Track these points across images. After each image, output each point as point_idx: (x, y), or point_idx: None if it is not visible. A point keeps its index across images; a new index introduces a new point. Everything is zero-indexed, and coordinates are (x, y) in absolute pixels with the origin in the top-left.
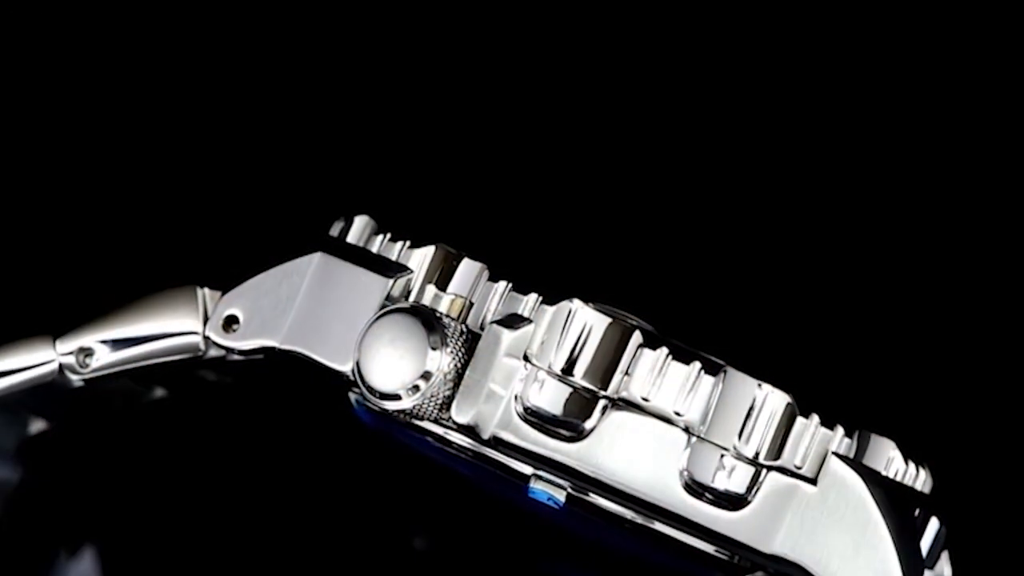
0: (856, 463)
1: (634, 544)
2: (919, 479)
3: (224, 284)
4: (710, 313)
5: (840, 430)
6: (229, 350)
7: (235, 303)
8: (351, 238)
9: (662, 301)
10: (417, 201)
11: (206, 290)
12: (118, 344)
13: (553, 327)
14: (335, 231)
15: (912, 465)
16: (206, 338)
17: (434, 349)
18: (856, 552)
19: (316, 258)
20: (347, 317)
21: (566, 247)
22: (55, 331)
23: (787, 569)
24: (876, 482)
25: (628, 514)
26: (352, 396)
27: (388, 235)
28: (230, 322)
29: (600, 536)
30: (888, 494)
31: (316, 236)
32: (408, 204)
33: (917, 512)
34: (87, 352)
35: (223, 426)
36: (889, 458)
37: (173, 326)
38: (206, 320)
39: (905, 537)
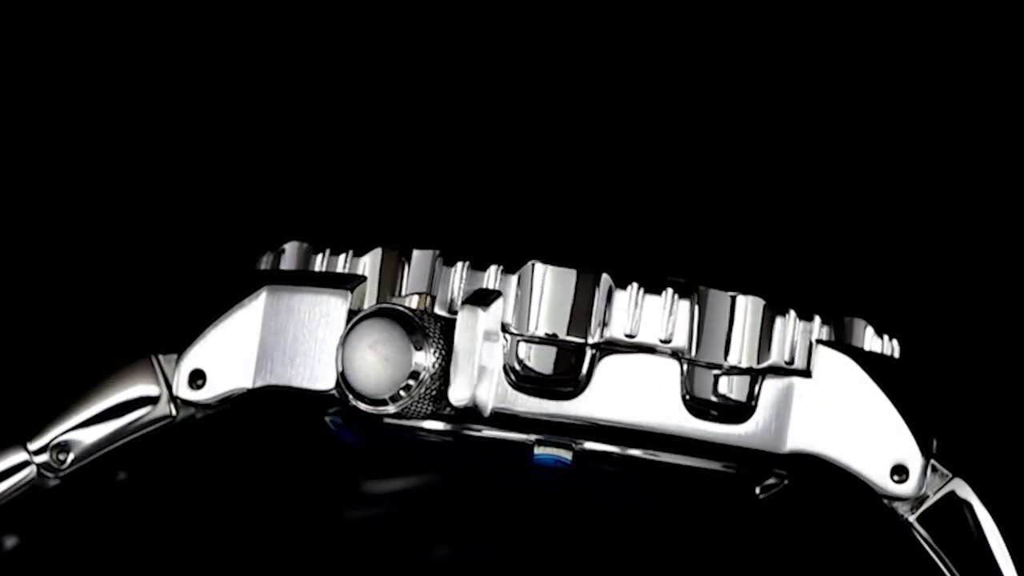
0: (842, 345)
1: (643, 486)
2: (895, 351)
3: (172, 346)
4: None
5: (818, 319)
6: (202, 405)
7: (196, 359)
8: (287, 265)
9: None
10: (325, 208)
11: (159, 356)
12: (89, 431)
13: (522, 292)
14: (265, 264)
15: (886, 338)
16: (175, 401)
17: (418, 349)
18: (867, 430)
19: (264, 294)
20: (314, 340)
21: (480, 219)
22: (18, 436)
23: (806, 464)
24: (866, 359)
25: (637, 453)
26: (329, 419)
27: (328, 250)
28: (195, 378)
29: (607, 490)
30: (881, 368)
31: (252, 274)
32: (319, 214)
33: (908, 380)
34: (61, 447)
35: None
36: (866, 335)
37: (139, 399)
38: (168, 385)
39: (909, 406)
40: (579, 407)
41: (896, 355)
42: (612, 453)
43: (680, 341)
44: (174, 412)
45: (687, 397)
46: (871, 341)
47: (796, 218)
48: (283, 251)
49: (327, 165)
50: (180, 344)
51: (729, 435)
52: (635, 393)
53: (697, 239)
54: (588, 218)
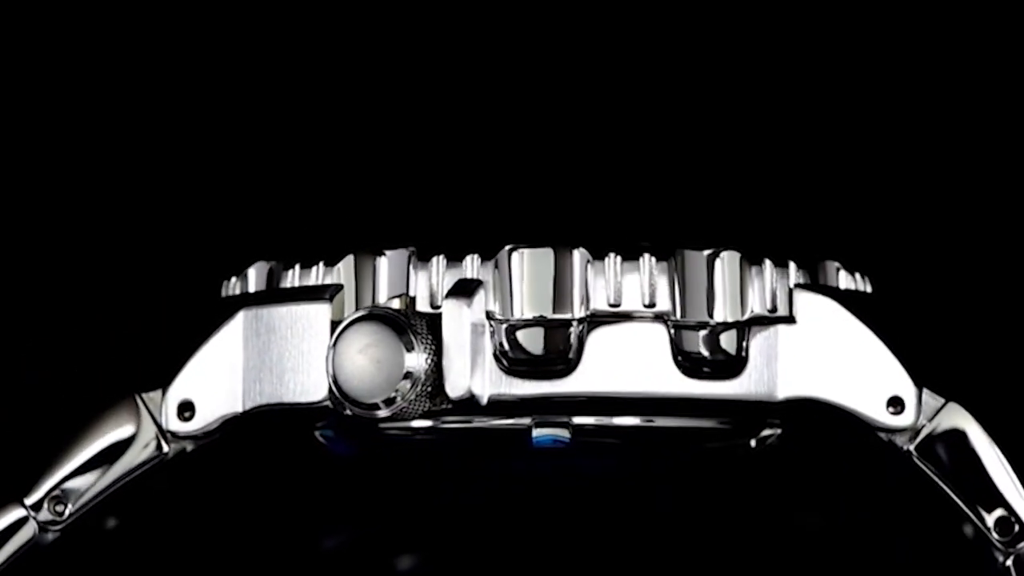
0: (819, 287)
1: (642, 454)
2: (867, 287)
3: (151, 382)
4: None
5: (792, 265)
6: (194, 436)
7: (181, 391)
8: (256, 287)
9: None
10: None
11: (143, 394)
12: (84, 479)
13: (502, 278)
14: (232, 289)
15: (857, 275)
16: (166, 436)
17: (410, 350)
18: (857, 367)
19: (240, 317)
20: (300, 354)
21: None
22: (12, 494)
23: (803, 409)
24: (845, 298)
25: (635, 421)
26: (319, 433)
27: (297, 265)
28: (183, 410)
29: (605, 464)
30: (860, 305)
31: (223, 300)
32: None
33: (886, 314)
34: (57, 499)
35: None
36: (839, 276)
37: (129, 440)
38: (157, 421)
39: (893, 338)
40: (574, 383)
41: (868, 291)
42: (610, 425)
43: (664, 304)
44: (166, 448)
45: (679, 359)
46: (845, 280)
47: (736, 167)
48: (248, 274)
49: (272, 182)
50: (159, 379)
51: (724, 391)
52: (628, 362)
53: (641, 202)
54: (547, 194)
